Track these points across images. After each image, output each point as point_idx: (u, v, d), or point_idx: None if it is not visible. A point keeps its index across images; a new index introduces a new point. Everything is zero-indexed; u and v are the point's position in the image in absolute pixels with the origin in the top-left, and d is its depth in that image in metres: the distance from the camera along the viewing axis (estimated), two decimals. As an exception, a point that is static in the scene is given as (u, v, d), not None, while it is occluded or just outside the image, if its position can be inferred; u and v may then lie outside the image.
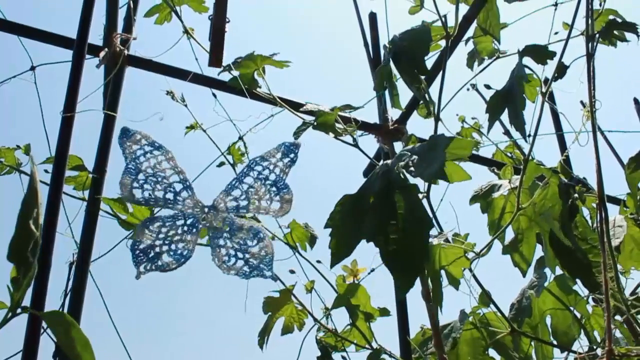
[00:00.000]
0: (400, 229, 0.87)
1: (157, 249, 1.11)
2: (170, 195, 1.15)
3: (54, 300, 1.12)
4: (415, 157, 0.90)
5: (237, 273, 1.13)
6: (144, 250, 1.10)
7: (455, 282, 0.98)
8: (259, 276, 1.14)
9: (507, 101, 1.19)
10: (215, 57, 1.28)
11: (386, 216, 0.88)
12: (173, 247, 1.12)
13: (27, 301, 0.98)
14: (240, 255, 1.14)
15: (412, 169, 0.88)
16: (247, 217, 1.21)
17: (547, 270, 1.18)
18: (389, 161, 0.96)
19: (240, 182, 1.19)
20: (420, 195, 0.95)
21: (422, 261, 0.88)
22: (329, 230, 0.92)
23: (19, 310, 0.47)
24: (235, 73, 1.24)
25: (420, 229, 0.87)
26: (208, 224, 1.16)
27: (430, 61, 1.39)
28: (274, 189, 1.18)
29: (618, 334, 1.19)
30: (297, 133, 1.13)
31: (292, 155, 1.20)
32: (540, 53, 1.22)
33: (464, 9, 1.37)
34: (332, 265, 0.92)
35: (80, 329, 0.48)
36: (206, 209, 1.16)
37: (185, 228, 1.14)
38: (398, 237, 0.86)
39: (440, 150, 0.87)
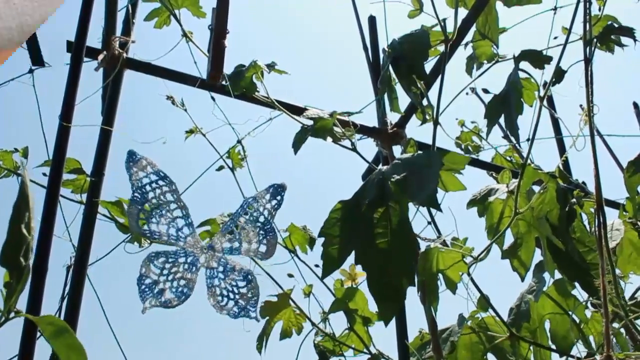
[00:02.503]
0: (387, 249, 0.85)
1: (161, 285, 1.14)
2: (173, 231, 1.17)
3: (51, 304, 1.12)
4: (407, 171, 0.88)
5: (228, 313, 1.18)
6: (149, 285, 1.13)
7: (452, 286, 0.98)
8: (245, 316, 1.18)
9: (504, 106, 1.19)
10: (215, 73, 1.28)
11: (371, 234, 0.87)
12: (175, 284, 1.15)
13: (23, 305, 0.98)
14: (231, 295, 1.18)
15: (404, 187, 0.87)
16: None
17: (546, 275, 1.17)
18: (384, 168, 0.95)
19: (235, 222, 1.21)
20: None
21: (406, 288, 0.86)
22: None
23: (12, 315, 0.47)
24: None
25: (407, 250, 0.86)
26: (206, 264, 1.19)
27: (429, 65, 1.39)
28: (261, 232, 1.21)
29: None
30: (296, 145, 1.11)
31: (278, 198, 1.23)
32: (536, 57, 1.22)
33: (463, 13, 1.37)
34: (323, 277, 0.91)
35: (73, 334, 0.48)
36: (205, 249, 1.19)
37: (186, 266, 1.17)
38: (384, 260, 0.85)
39: (434, 170, 0.86)
